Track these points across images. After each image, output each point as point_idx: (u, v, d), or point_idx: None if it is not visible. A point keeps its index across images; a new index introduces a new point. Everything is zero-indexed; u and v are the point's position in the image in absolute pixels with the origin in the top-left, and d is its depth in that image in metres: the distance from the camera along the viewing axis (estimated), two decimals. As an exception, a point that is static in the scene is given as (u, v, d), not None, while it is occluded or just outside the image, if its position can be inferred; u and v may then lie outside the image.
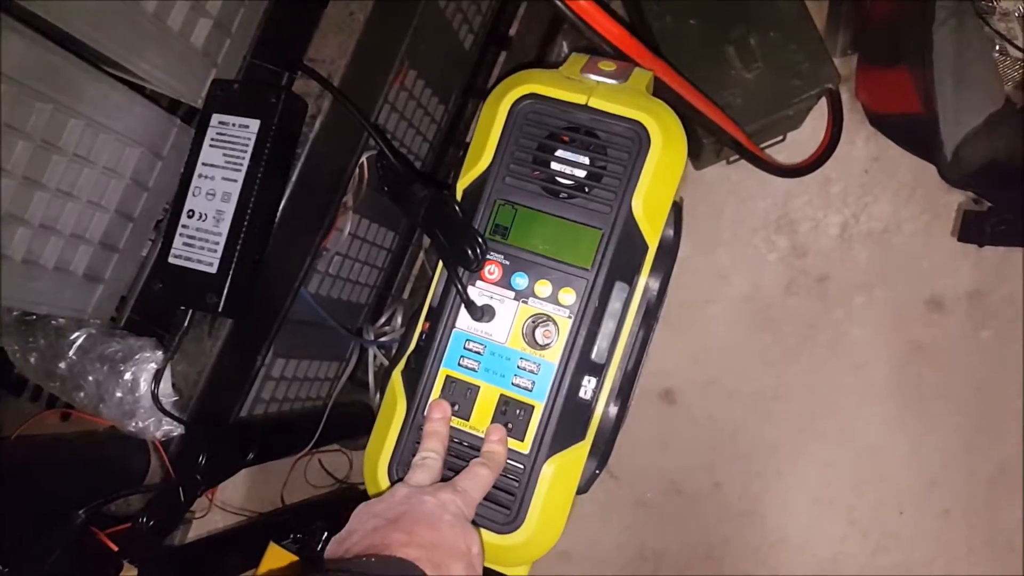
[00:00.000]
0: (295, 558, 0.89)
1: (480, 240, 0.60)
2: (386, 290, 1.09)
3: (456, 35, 0.94)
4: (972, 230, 1.04)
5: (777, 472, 1.07)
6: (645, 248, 0.61)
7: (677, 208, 0.64)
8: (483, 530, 0.59)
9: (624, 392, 0.63)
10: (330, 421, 0.95)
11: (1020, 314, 1.03)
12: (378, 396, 1.10)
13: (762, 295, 1.11)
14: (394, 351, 0.76)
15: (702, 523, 1.08)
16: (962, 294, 1.06)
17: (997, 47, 0.96)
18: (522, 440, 0.59)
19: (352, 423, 1.06)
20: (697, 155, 1.12)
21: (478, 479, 0.55)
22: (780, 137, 1.10)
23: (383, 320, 1.10)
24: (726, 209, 1.13)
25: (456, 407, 0.60)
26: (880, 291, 1.08)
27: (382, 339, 1.08)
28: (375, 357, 1.09)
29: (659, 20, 0.98)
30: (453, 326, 0.61)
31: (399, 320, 1.12)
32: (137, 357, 0.60)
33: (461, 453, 0.60)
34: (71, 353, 0.60)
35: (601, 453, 0.63)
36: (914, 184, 1.08)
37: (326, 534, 0.74)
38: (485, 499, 0.58)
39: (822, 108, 1.06)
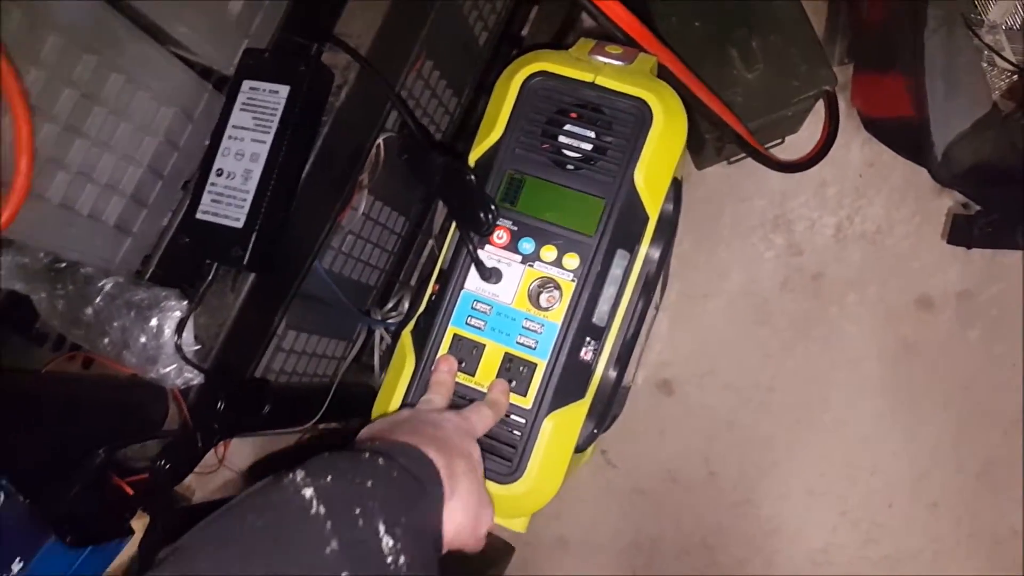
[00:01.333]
0: None
1: (491, 206, 0.63)
2: (394, 275, 1.13)
3: (472, 30, 0.98)
4: (961, 233, 1.08)
5: (772, 463, 1.09)
6: (646, 219, 0.64)
7: (677, 184, 0.68)
8: (486, 480, 0.62)
9: (623, 358, 0.66)
10: (335, 399, 0.98)
11: (1006, 314, 1.06)
12: (383, 377, 1.13)
13: (759, 291, 1.14)
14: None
15: (697, 511, 1.11)
16: (951, 294, 1.09)
17: (985, 56, 1.00)
18: (524, 395, 0.62)
19: (355, 402, 1.08)
20: (699, 154, 1.16)
21: (480, 413, 0.59)
22: (779, 140, 1.14)
23: (390, 305, 1.14)
24: (726, 208, 1.17)
25: (463, 363, 0.64)
26: (872, 289, 1.11)
27: (389, 321, 1.11)
28: (381, 339, 1.12)
29: (665, 21, 1.02)
30: (462, 287, 0.65)
31: (405, 305, 1.15)
32: (162, 305, 0.63)
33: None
34: (99, 300, 0.63)
35: (599, 414, 0.66)
36: (906, 189, 1.12)
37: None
38: (488, 451, 0.61)
39: (818, 116, 1.10)
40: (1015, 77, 1.00)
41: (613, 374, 0.65)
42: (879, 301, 1.11)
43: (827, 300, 1.13)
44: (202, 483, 0.99)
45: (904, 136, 1.02)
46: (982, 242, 1.06)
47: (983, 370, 1.06)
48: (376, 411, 0.66)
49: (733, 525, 1.09)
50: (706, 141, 1.08)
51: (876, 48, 1.05)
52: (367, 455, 0.46)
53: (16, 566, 0.58)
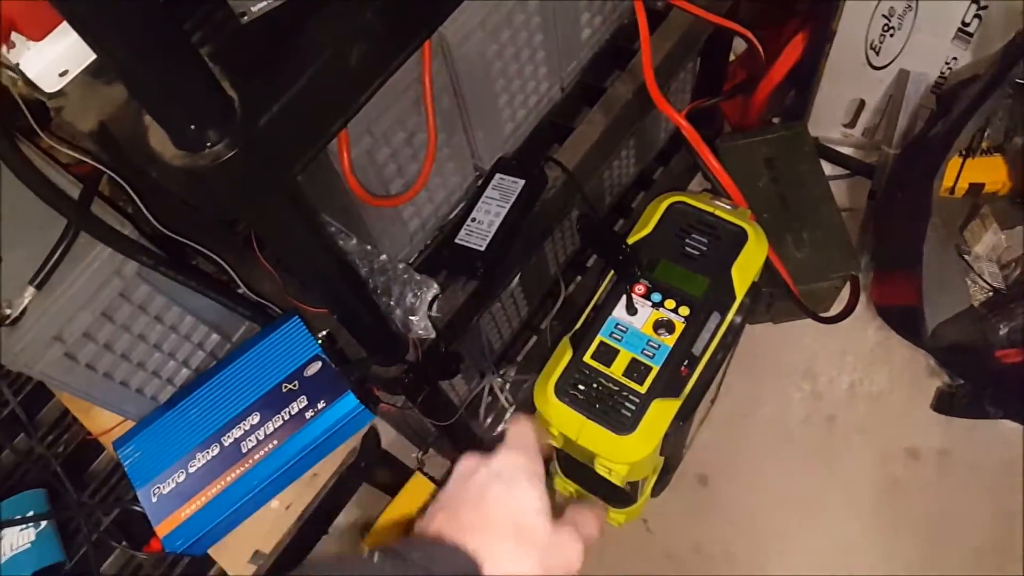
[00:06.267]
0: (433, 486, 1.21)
1: (636, 270, 1.02)
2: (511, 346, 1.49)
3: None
4: (945, 404, 1.43)
5: (779, 552, 1.37)
6: (734, 298, 1.02)
7: (756, 286, 1.06)
8: (607, 430, 0.94)
9: (704, 384, 1.01)
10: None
11: (976, 470, 1.38)
12: (487, 420, 1.46)
13: (785, 421, 1.48)
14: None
15: (713, 579, 1.38)
16: (934, 449, 1.41)
17: (970, 276, 1.41)
18: (641, 385, 0.97)
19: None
20: (753, 313, 1.56)
21: (589, 519, 0.49)
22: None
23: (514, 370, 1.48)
24: (769, 355, 1.53)
25: (603, 359, 0.99)
26: (872, 435, 1.44)
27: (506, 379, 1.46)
28: (490, 389, 1.45)
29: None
30: (610, 314, 1.02)
31: (512, 373, 1.51)
32: (425, 286, 1.00)
33: (602, 387, 0.97)
34: (388, 274, 1.01)
35: (683, 414, 0.99)
36: (905, 366, 1.49)
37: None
38: (612, 409, 0.94)
39: (841, 302, 1.49)
40: (990, 294, 1.40)
41: (697, 392, 1.00)
42: (876, 444, 1.43)
43: (836, 437, 1.46)
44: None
45: (906, 319, 1.41)
46: (960, 412, 1.40)
47: (951, 514, 1.35)
48: (539, 383, 1.01)
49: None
50: (761, 294, 1.47)
51: (890, 254, 1.47)
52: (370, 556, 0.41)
53: (321, 404, 0.92)
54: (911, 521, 1.37)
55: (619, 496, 1.24)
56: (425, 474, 1.20)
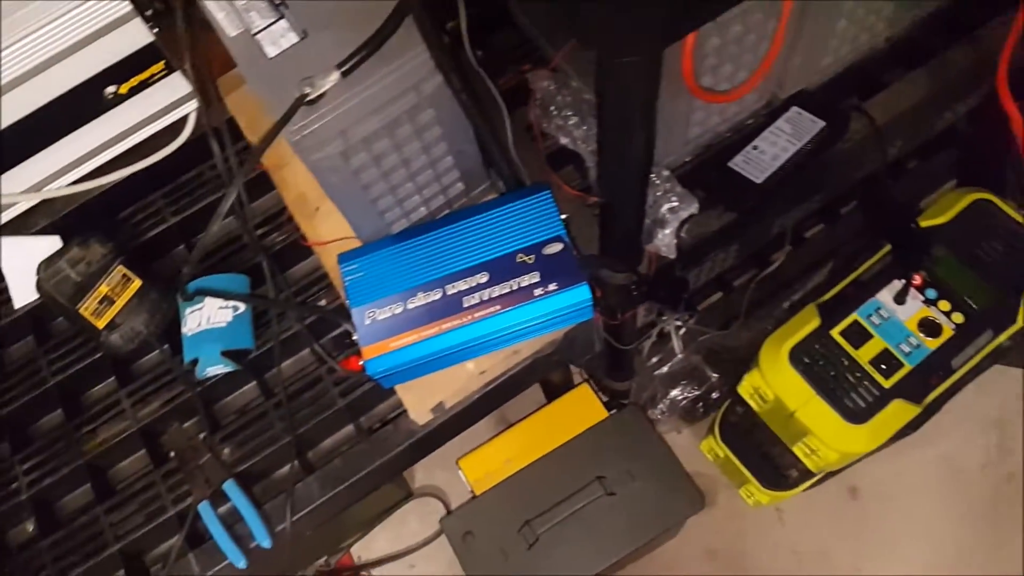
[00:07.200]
0: (600, 406, 1.17)
1: (927, 257, 0.92)
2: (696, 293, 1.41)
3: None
4: None
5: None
6: (1014, 321, 0.91)
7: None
8: (836, 412, 0.87)
9: (943, 400, 0.92)
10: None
11: None
12: (652, 358, 1.41)
13: (958, 462, 1.38)
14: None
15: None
16: None
17: None
18: (887, 379, 0.88)
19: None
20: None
21: None
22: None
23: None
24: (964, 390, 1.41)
25: (853, 340, 0.91)
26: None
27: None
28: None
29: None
30: (873, 295, 0.93)
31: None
32: (683, 202, 0.92)
33: (843, 367, 0.89)
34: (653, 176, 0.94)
35: (915, 423, 0.91)
36: None
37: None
38: (850, 394, 0.87)
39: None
40: None
41: (938, 403, 0.91)
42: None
43: (1009, 496, 1.34)
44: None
45: None
46: None
47: None
48: (771, 341, 0.94)
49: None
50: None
51: None
52: None
53: (552, 286, 0.88)
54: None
55: (773, 478, 1.18)
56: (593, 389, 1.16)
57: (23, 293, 1.05)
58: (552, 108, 1.00)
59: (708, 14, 0.57)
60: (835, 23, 0.92)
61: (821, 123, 0.96)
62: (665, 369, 1.41)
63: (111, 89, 0.93)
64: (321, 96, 0.75)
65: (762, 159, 0.96)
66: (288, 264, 1.10)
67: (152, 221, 1.08)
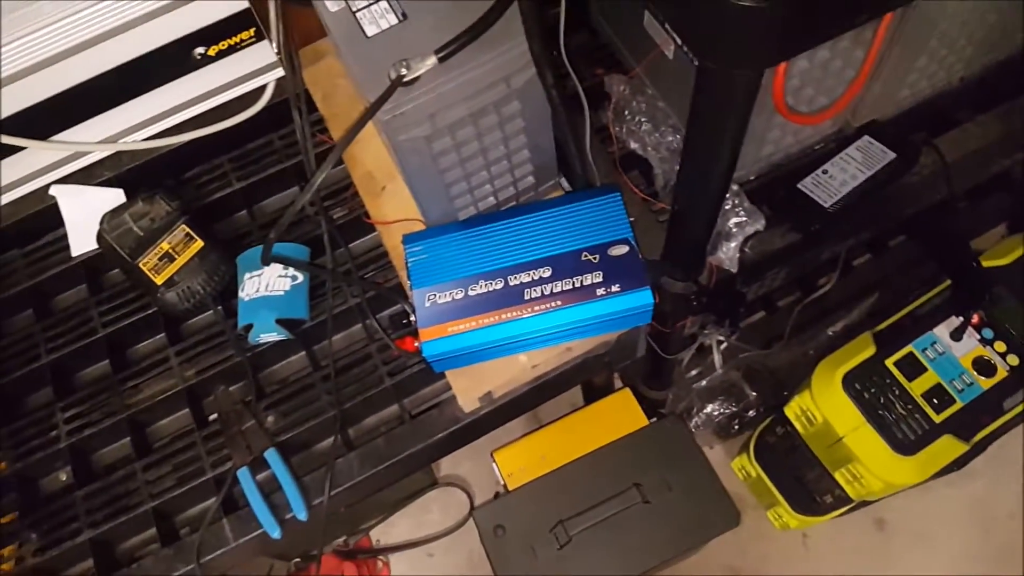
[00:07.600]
0: (640, 412, 1.17)
1: (987, 297, 0.92)
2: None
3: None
4: None
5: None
6: (1071, 368, 0.91)
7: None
8: (884, 442, 0.87)
9: (990, 441, 0.92)
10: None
11: None
12: (692, 371, 1.40)
13: (991, 506, 1.37)
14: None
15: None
16: None
17: None
18: (938, 414, 0.89)
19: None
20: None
21: None
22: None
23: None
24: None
25: (907, 372, 0.91)
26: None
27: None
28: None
29: None
30: (929, 329, 0.93)
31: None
32: (750, 217, 0.92)
33: (895, 398, 0.89)
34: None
35: (961, 461, 0.91)
36: None
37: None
38: (902, 425, 0.87)
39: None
40: None
41: (984, 444, 0.91)
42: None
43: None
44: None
45: None
46: None
47: None
48: (824, 365, 0.94)
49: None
50: None
51: None
52: None
53: (616, 287, 0.88)
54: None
55: (805, 502, 1.18)
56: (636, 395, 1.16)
57: (82, 242, 1.07)
58: (627, 113, 1.00)
59: (822, 36, 0.58)
60: (917, 58, 0.93)
61: (892, 154, 0.97)
62: (704, 383, 1.41)
63: (200, 50, 0.94)
64: (416, 79, 0.77)
65: (831, 184, 0.96)
66: (347, 240, 1.10)
67: (217, 184, 1.09)
